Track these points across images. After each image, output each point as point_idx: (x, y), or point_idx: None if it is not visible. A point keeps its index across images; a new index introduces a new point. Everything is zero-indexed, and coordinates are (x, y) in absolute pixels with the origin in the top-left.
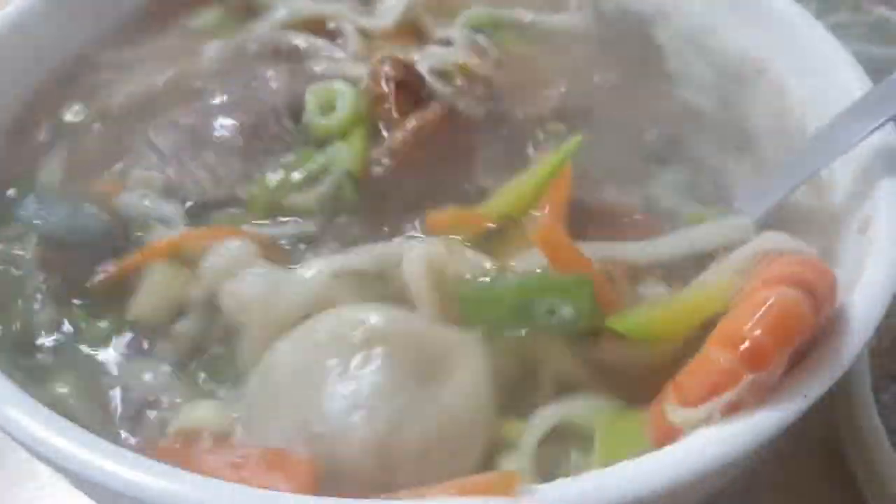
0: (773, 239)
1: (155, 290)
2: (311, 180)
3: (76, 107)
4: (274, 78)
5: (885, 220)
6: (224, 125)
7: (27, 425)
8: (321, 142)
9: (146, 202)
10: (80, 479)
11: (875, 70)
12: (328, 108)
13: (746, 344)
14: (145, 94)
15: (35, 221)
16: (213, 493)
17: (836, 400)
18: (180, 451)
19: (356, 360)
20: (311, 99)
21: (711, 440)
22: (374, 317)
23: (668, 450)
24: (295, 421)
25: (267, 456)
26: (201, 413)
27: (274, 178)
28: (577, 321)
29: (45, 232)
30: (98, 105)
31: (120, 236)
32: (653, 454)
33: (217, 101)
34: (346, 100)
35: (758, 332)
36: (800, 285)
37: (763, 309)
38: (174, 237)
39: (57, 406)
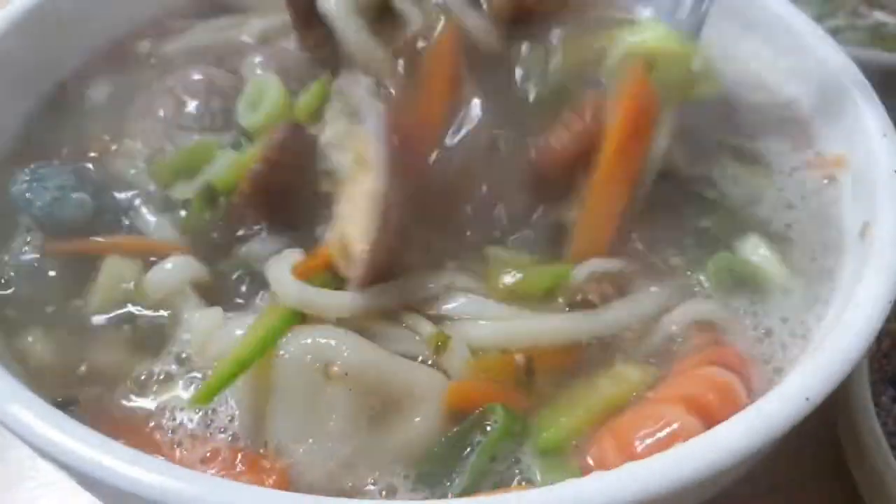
0: (693, 311)
1: (106, 286)
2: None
3: (146, 42)
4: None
5: (884, 225)
6: (178, 102)
7: (30, 422)
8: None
9: (132, 171)
10: (82, 476)
11: (872, 73)
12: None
13: (634, 452)
14: (181, 52)
15: (24, 201)
16: (218, 493)
17: (836, 403)
18: (152, 439)
19: (316, 393)
20: (246, 91)
21: (715, 441)
22: (339, 347)
23: (671, 451)
24: (267, 430)
25: (238, 457)
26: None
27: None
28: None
29: (31, 213)
30: (158, 48)
31: (107, 215)
32: (655, 456)
33: (196, 77)
34: (269, 99)
35: (644, 448)
36: (700, 412)
37: (660, 430)
38: (125, 242)
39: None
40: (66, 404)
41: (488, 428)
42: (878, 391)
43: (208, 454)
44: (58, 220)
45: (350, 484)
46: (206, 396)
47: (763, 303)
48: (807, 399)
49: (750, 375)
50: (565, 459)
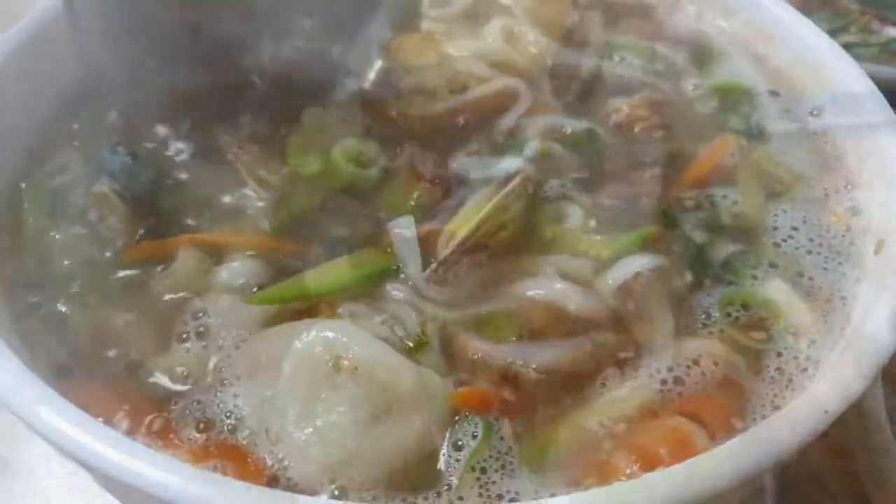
0: (698, 347)
1: (182, 274)
2: None
3: None
4: None
5: None
6: None
7: (57, 424)
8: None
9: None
10: (109, 480)
11: (884, 89)
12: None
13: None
14: None
15: (117, 177)
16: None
17: (850, 421)
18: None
19: (324, 384)
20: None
21: (734, 453)
22: (351, 343)
23: (690, 462)
24: (265, 415)
25: (223, 449)
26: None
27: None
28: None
29: (113, 172)
30: None
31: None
32: (673, 468)
33: None
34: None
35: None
36: (648, 466)
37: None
38: (206, 236)
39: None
40: (64, 372)
41: (473, 437)
42: (893, 409)
43: (204, 423)
44: (138, 181)
45: (344, 480)
46: (258, 300)
47: (775, 339)
48: (826, 412)
49: (720, 428)
50: (552, 473)
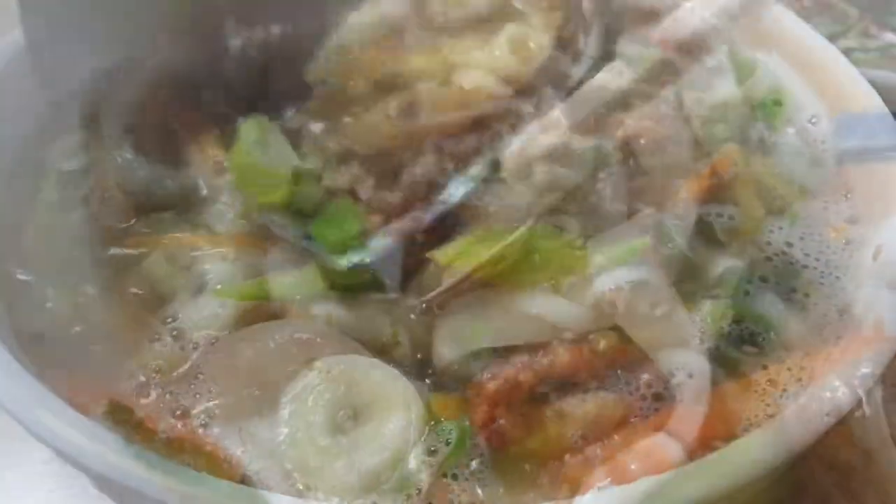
0: (683, 361)
1: (153, 271)
2: None
3: None
4: None
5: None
6: None
7: (54, 426)
8: None
9: None
10: (104, 481)
11: (883, 94)
12: None
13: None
14: None
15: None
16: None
17: (848, 423)
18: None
19: (300, 387)
20: None
21: (733, 454)
22: (323, 344)
23: (693, 465)
24: (238, 414)
25: (204, 444)
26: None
27: None
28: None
29: (127, 181)
30: None
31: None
32: (671, 472)
33: None
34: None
35: None
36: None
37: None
38: (183, 237)
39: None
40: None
41: (447, 444)
42: (891, 410)
43: (179, 413)
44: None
45: (314, 480)
46: (227, 294)
47: (767, 353)
48: (826, 415)
49: (699, 444)
50: (524, 484)
